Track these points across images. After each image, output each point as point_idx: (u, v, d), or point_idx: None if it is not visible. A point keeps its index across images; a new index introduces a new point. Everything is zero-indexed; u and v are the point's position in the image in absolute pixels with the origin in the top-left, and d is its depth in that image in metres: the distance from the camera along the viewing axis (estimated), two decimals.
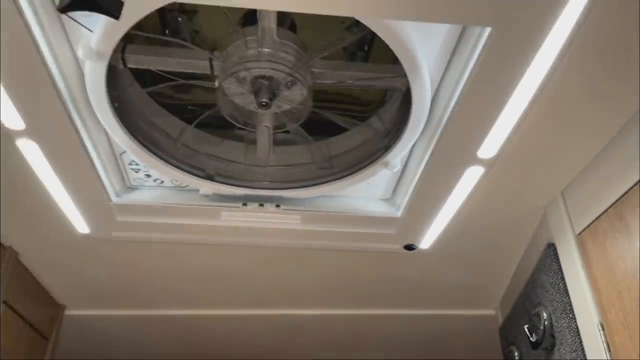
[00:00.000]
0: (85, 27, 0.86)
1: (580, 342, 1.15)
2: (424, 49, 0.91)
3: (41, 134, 1.02)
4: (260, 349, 2.03)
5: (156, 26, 1.01)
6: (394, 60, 0.92)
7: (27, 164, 1.10)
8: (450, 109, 0.99)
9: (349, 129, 1.19)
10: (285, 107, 1.04)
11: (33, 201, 1.22)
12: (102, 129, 1.07)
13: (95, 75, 0.93)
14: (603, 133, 1.05)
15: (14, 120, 0.97)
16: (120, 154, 1.18)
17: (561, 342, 1.22)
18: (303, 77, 0.99)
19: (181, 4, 0.86)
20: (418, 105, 1.00)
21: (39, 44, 0.84)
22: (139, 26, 0.85)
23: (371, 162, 1.17)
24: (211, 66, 1.01)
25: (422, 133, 1.08)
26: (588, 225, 1.16)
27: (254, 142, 1.18)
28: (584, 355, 1.13)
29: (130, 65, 1.01)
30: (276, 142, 1.19)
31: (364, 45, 1.07)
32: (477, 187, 1.19)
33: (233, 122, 1.08)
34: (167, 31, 1.02)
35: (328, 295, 1.75)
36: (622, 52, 0.85)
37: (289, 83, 0.99)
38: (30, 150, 1.06)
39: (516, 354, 1.52)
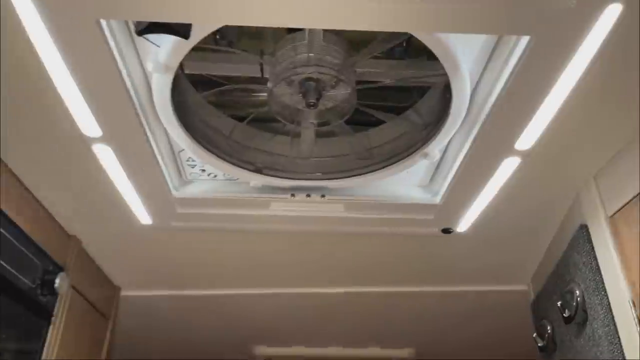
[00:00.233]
0: (154, 43, 0.93)
1: (612, 317, 1.18)
2: (464, 51, 0.95)
3: (115, 140, 1.09)
4: (301, 324, 2.13)
5: None
6: (433, 56, 0.95)
7: (100, 166, 1.17)
8: (489, 104, 1.02)
9: (386, 121, 1.22)
10: (330, 104, 1.09)
11: (101, 197, 1.31)
12: (164, 130, 1.14)
13: (162, 85, 0.99)
14: (635, 120, 1.07)
15: (92, 128, 1.05)
16: (179, 152, 1.25)
17: (594, 318, 1.25)
18: (348, 77, 1.03)
19: None
20: (458, 102, 1.03)
21: (117, 61, 0.90)
22: None
23: (411, 153, 1.20)
24: (261, 70, 1.08)
25: (460, 126, 1.11)
26: (620, 208, 1.18)
27: (298, 135, 1.22)
28: (616, 330, 1.16)
29: (187, 72, 1.08)
30: (318, 135, 1.23)
31: (402, 41, 1.10)
32: (513, 175, 1.22)
33: (280, 120, 1.13)
34: (217, 36, 1.08)
35: (366, 274, 1.80)
36: None
37: (335, 83, 1.04)
38: (105, 154, 1.13)
39: (548, 327, 1.56)
